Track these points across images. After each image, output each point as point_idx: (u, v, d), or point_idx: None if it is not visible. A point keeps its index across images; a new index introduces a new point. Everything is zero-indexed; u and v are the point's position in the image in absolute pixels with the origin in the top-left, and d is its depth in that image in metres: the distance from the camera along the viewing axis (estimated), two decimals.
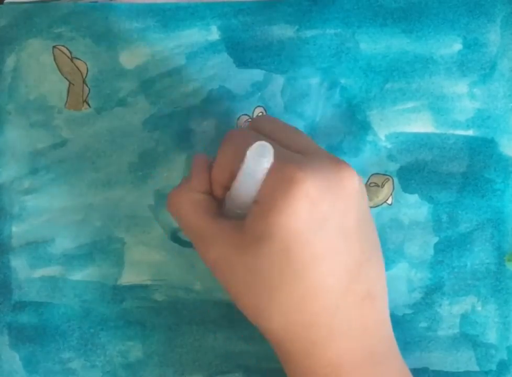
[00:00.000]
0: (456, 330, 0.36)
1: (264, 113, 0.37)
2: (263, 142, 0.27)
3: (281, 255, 0.27)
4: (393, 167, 0.37)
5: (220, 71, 0.37)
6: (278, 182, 0.27)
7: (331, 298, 0.28)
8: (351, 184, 0.28)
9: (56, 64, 0.38)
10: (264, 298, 0.28)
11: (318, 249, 0.27)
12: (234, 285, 0.29)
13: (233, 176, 0.29)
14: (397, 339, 0.36)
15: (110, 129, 0.37)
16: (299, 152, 0.29)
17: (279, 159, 0.27)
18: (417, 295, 0.36)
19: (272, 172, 0.27)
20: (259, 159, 0.27)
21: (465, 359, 0.36)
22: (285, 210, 0.26)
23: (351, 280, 0.28)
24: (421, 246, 0.37)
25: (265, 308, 0.28)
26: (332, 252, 0.27)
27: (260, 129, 0.31)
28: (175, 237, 0.37)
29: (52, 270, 0.37)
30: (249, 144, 0.27)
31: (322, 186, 0.27)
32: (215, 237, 0.29)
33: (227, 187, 0.30)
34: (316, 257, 0.27)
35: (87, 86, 0.38)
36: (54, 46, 0.38)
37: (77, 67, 0.38)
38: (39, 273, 0.37)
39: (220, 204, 0.31)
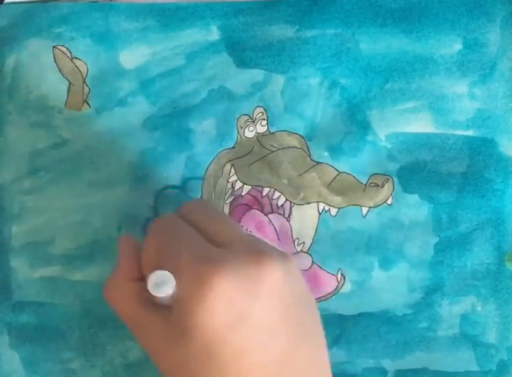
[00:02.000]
0: (456, 330, 0.36)
1: (264, 114, 0.37)
2: (163, 272, 0.27)
3: (203, 353, 0.27)
4: (393, 167, 0.37)
5: (220, 71, 0.37)
6: (194, 283, 0.27)
7: None
8: (272, 278, 0.28)
9: (56, 64, 0.38)
10: None
11: (238, 346, 0.27)
12: (165, 374, 0.29)
13: (159, 266, 0.29)
14: (397, 339, 0.36)
15: (110, 129, 0.37)
16: (221, 243, 0.29)
17: (196, 258, 0.27)
18: (417, 295, 0.36)
19: (189, 271, 0.27)
20: (160, 288, 0.27)
21: (465, 360, 0.36)
22: (202, 311, 0.27)
23: (278, 370, 0.28)
24: (421, 246, 0.37)
25: None
26: (254, 347, 0.27)
27: (187, 217, 0.31)
28: None
29: (51, 270, 0.37)
30: (174, 236, 0.29)
31: (240, 284, 0.27)
32: (146, 329, 0.29)
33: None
34: (236, 354, 0.27)
35: (87, 86, 0.38)
36: (54, 46, 0.38)
37: (77, 67, 0.38)
38: (39, 273, 0.37)
39: None
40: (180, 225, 0.30)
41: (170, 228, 0.30)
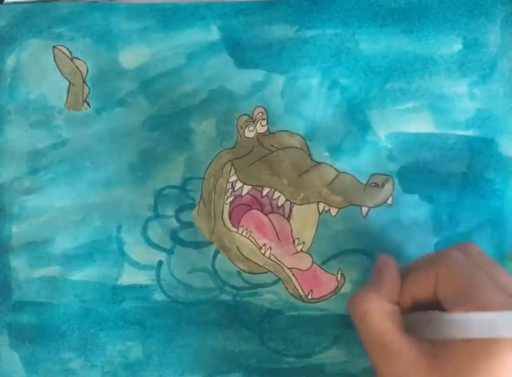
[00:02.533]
0: None
1: (264, 113, 0.37)
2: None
3: None
4: (393, 167, 0.37)
5: (220, 71, 0.37)
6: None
7: None
8: None
9: (56, 64, 0.38)
10: None
11: None
12: None
13: (432, 295, 0.28)
14: None
15: (110, 129, 0.37)
16: (505, 291, 0.27)
17: (486, 294, 0.26)
18: None
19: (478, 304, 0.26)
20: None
21: None
22: (493, 363, 0.25)
23: None
24: (421, 246, 0.36)
25: None
26: None
27: (473, 259, 0.30)
28: (175, 237, 0.37)
29: (51, 270, 0.37)
30: (474, 277, 0.27)
31: None
32: (403, 353, 0.28)
33: (417, 301, 0.30)
34: None
35: (87, 86, 0.38)
36: (54, 46, 0.38)
37: (77, 67, 0.38)
38: (39, 273, 0.37)
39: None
40: (478, 268, 0.28)
41: (468, 267, 0.29)
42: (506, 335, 0.25)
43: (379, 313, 0.29)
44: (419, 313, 0.29)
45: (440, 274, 0.29)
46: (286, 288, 0.37)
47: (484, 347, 0.25)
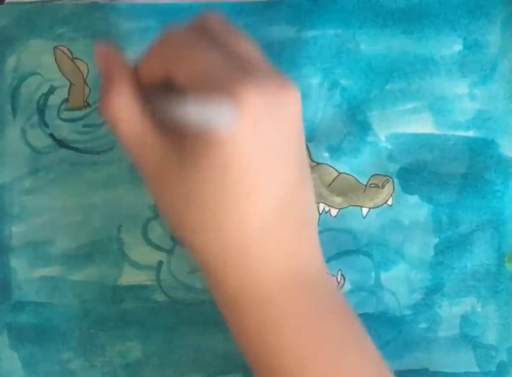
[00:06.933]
0: (456, 331, 0.36)
1: None
2: (230, 107, 0.24)
3: (221, 172, 0.26)
4: (393, 168, 0.37)
5: None
6: (221, 99, 0.25)
7: (267, 222, 0.27)
8: (293, 108, 0.27)
9: (57, 64, 0.38)
10: (200, 219, 0.27)
11: (259, 170, 0.26)
12: (167, 201, 0.28)
13: (168, 77, 0.27)
14: (397, 339, 0.36)
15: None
16: (245, 60, 0.27)
17: (223, 74, 0.26)
18: (417, 296, 0.36)
19: (213, 86, 0.25)
20: (218, 120, 0.24)
21: (465, 360, 0.36)
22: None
23: (287, 204, 0.27)
24: (421, 247, 0.37)
25: (201, 227, 0.27)
26: (272, 174, 0.26)
27: (208, 30, 0.29)
28: (175, 237, 0.37)
29: (51, 270, 0.37)
30: (191, 47, 0.26)
31: (265, 104, 0.25)
32: (156, 145, 0.27)
33: (155, 84, 0.28)
34: (256, 178, 0.26)
35: (88, 86, 0.38)
36: (55, 47, 0.38)
37: (78, 68, 0.38)
38: (39, 273, 0.37)
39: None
40: (198, 37, 0.28)
41: (185, 39, 0.28)
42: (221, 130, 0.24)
43: (126, 108, 0.27)
44: (157, 100, 0.27)
45: (167, 55, 0.27)
46: None
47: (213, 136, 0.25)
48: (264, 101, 0.26)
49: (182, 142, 0.27)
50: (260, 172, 0.26)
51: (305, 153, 0.29)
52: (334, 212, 0.37)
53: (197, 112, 0.24)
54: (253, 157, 0.26)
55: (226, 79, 0.26)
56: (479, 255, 0.36)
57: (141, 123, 0.27)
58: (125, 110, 0.27)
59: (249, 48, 0.29)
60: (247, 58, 0.28)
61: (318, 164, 0.37)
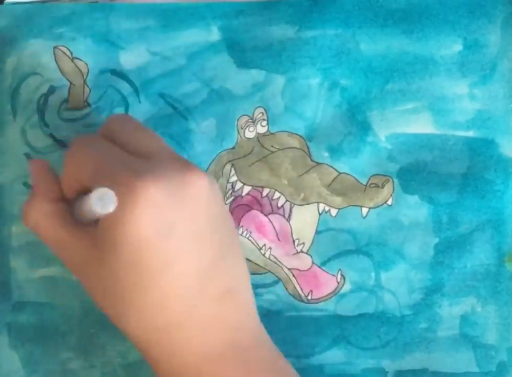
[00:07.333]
0: (456, 331, 0.36)
1: (264, 114, 0.37)
2: (105, 189, 0.26)
3: (133, 262, 0.27)
4: (393, 168, 0.37)
5: (220, 72, 0.37)
6: (121, 194, 0.26)
7: (186, 299, 0.29)
8: (198, 187, 0.28)
9: (57, 64, 0.38)
10: (122, 304, 0.29)
11: (168, 254, 0.28)
12: (95, 291, 0.30)
13: (82, 185, 0.29)
14: (397, 339, 0.36)
15: None
16: (145, 155, 0.29)
17: (120, 171, 0.28)
18: (417, 296, 0.36)
19: (114, 184, 0.27)
20: (104, 205, 0.26)
21: (465, 360, 0.36)
22: (130, 220, 0.27)
23: (206, 279, 0.29)
24: (421, 247, 0.37)
25: (124, 313, 0.29)
26: (183, 255, 0.28)
27: (108, 133, 0.31)
28: None
29: (51, 270, 0.37)
30: (96, 153, 0.29)
31: (166, 191, 0.27)
32: (73, 248, 0.30)
33: (79, 191, 0.30)
34: (167, 262, 0.28)
35: (88, 86, 0.38)
36: (54, 47, 0.38)
37: (77, 68, 0.38)
38: (39, 273, 0.37)
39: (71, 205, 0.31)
40: (102, 143, 0.30)
41: (91, 146, 0.30)
42: (99, 211, 0.25)
43: (41, 217, 0.31)
44: (76, 199, 0.30)
45: (72, 162, 0.30)
46: (286, 288, 0.37)
47: (115, 212, 0.26)
48: (162, 185, 0.27)
49: (96, 237, 0.29)
50: (171, 256, 0.28)
51: (227, 226, 0.31)
52: (334, 212, 0.37)
53: (97, 205, 0.25)
54: (159, 243, 0.27)
55: (123, 172, 0.27)
56: (479, 255, 0.36)
57: (59, 227, 0.30)
58: (43, 220, 0.31)
59: (149, 141, 0.31)
60: (146, 151, 0.29)
61: (318, 164, 0.37)
